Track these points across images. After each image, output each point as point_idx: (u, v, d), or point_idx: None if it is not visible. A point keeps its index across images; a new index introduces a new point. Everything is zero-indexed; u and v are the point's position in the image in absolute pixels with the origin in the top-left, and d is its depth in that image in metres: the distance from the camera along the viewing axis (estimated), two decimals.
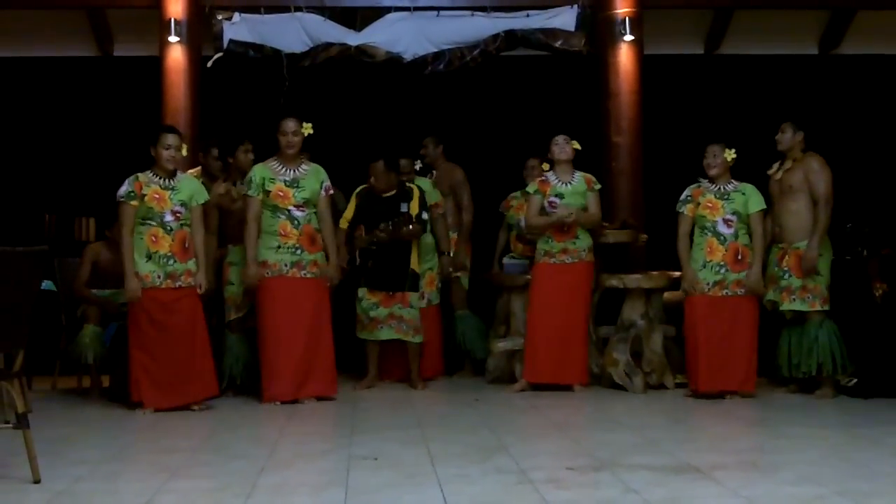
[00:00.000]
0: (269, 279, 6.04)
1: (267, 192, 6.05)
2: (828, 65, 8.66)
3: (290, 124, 6.09)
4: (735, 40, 8.54)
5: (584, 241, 6.51)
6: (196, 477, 4.21)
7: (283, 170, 6.11)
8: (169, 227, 5.73)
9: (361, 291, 6.57)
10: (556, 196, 6.49)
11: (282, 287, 6.04)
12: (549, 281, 6.43)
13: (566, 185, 6.50)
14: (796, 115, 6.29)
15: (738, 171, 6.76)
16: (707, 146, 6.22)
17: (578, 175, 6.56)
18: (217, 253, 6.45)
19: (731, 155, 6.17)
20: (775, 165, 6.50)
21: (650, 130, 7.64)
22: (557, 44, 7.67)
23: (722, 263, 6.06)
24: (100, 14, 8.03)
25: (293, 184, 6.09)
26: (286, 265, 6.05)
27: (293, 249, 6.06)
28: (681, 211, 6.22)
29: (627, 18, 7.47)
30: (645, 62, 7.60)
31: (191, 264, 5.80)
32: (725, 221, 6.08)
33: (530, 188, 6.59)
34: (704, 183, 6.21)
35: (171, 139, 5.79)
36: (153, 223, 5.72)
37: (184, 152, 5.94)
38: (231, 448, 4.80)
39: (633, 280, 6.58)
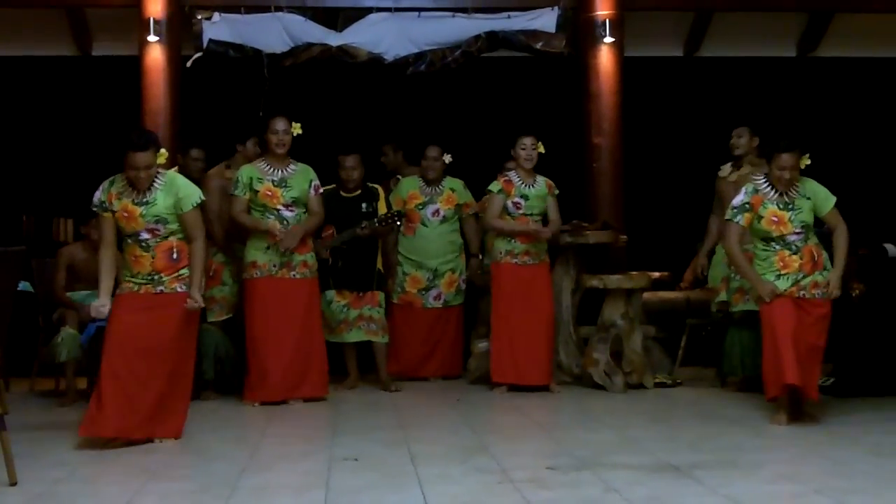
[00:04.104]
0: (258, 280, 6.04)
1: (255, 192, 6.03)
2: (806, 67, 8.73)
3: (280, 123, 6.06)
4: (714, 43, 8.59)
5: (544, 243, 6.54)
6: (176, 478, 4.20)
7: (271, 169, 6.08)
8: (145, 245, 4.93)
9: (330, 294, 6.55)
10: (521, 197, 6.46)
11: (271, 288, 6.02)
12: (514, 281, 6.44)
13: (530, 187, 6.49)
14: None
15: (711, 174, 6.83)
16: (779, 153, 5.26)
17: (540, 179, 6.54)
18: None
19: (804, 161, 5.34)
20: (726, 167, 6.64)
21: (630, 132, 7.67)
22: (538, 45, 7.69)
23: (798, 273, 5.29)
24: (79, 13, 7.98)
25: (281, 183, 6.06)
26: (275, 265, 6.03)
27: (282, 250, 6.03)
28: (736, 221, 5.33)
29: (608, 20, 7.49)
30: (625, 64, 7.63)
31: (182, 272, 4.97)
32: (794, 233, 5.31)
33: (494, 187, 6.50)
34: (763, 187, 5.35)
35: (138, 160, 4.78)
36: (130, 241, 4.97)
37: (160, 160, 4.95)
38: (212, 449, 4.79)
39: (614, 280, 6.60)
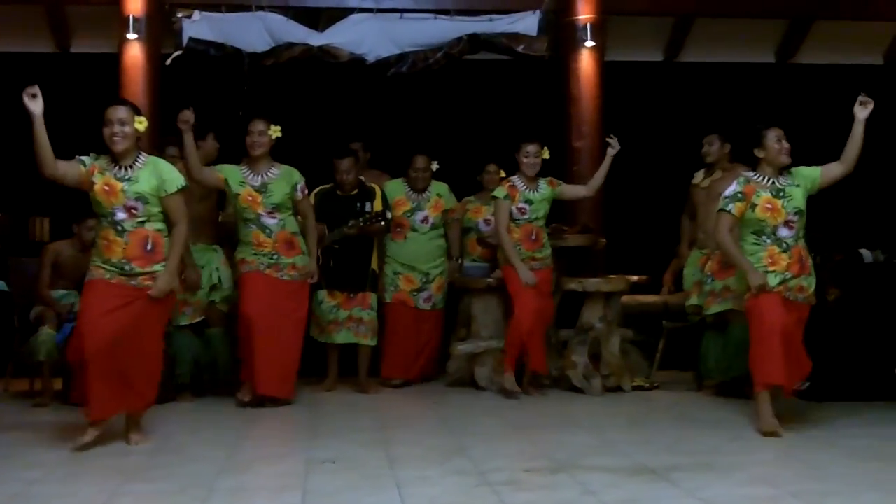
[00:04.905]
0: (247, 273, 5.98)
1: (236, 196, 5.98)
2: (785, 73, 8.79)
3: (257, 124, 5.99)
4: (694, 48, 8.65)
5: (548, 249, 6.50)
6: (153, 479, 4.17)
7: (252, 175, 6.00)
8: (120, 228, 4.75)
9: (321, 294, 6.54)
10: (525, 202, 6.37)
11: (260, 281, 5.94)
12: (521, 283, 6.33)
13: (533, 191, 6.41)
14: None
15: (691, 178, 6.85)
16: (766, 130, 5.28)
17: (542, 181, 6.47)
18: None
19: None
20: (699, 174, 6.72)
21: (610, 135, 7.68)
22: (520, 48, 7.71)
23: (786, 273, 5.18)
24: (58, 10, 7.93)
25: (262, 189, 5.98)
26: (263, 265, 5.97)
27: (270, 255, 5.97)
28: (728, 210, 5.20)
29: (589, 24, 7.53)
30: (606, 68, 7.66)
31: (157, 268, 4.82)
32: (787, 223, 5.20)
33: (499, 192, 6.39)
34: (755, 177, 5.26)
35: (114, 113, 4.77)
36: (104, 222, 4.81)
37: (139, 127, 4.80)
38: (189, 450, 4.76)
39: (593, 283, 6.62)
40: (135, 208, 4.76)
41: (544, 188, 6.46)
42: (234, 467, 4.38)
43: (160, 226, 4.86)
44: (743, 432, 5.17)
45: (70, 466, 4.41)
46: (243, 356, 6.01)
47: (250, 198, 5.98)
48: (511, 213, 6.37)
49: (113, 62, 7.38)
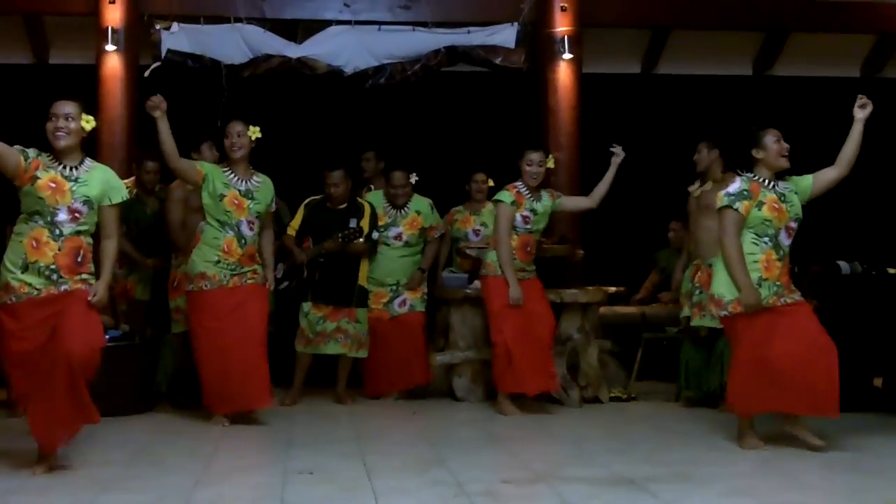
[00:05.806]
0: (208, 292, 5.73)
1: (220, 197, 5.75)
2: (761, 86, 8.87)
3: (235, 126, 5.83)
4: (671, 60, 8.71)
5: (534, 264, 6.39)
6: (130, 490, 4.15)
7: (237, 179, 5.82)
8: (58, 231, 4.42)
9: (307, 305, 6.50)
10: (530, 211, 6.20)
11: (223, 297, 5.73)
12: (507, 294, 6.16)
13: (537, 202, 6.25)
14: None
15: (668, 190, 6.90)
16: (763, 132, 5.10)
17: (544, 193, 6.33)
18: (153, 263, 6.44)
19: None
20: (696, 184, 6.67)
21: (588, 147, 7.73)
22: (498, 60, 7.74)
23: (778, 283, 4.97)
24: (36, 21, 7.90)
25: (248, 195, 5.81)
26: (226, 277, 5.77)
27: (233, 266, 5.78)
28: (735, 207, 4.88)
29: (566, 37, 7.57)
30: (583, 80, 7.70)
31: (83, 275, 4.53)
32: (787, 230, 5.00)
33: (506, 197, 6.15)
34: (756, 178, 5.02)
35: (60, 107, 4.47)
36: (39, 222, 4.43)
37: (86, 126, 4.50)
38: (166, 461, 4.74)
39: (570, 294, 6.64)
40: (79, 212, 4.48)
41: (546, 199, 6.30)
42: (212, 478, 4.36)
43: (90, 240, 4.59)
44: (721, 443, 5.19)
45: (46, 477, 4.36)
46: (212, 377, 5.70)
47: (237, 202, 5.77)
48: (514, 220, 6.15)
49: (91, 73, 7.35)
